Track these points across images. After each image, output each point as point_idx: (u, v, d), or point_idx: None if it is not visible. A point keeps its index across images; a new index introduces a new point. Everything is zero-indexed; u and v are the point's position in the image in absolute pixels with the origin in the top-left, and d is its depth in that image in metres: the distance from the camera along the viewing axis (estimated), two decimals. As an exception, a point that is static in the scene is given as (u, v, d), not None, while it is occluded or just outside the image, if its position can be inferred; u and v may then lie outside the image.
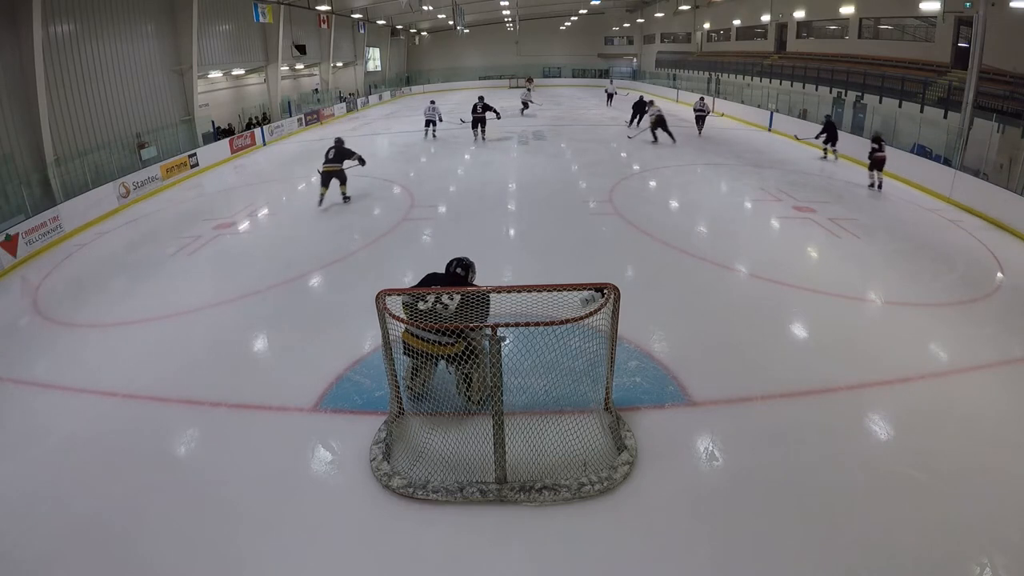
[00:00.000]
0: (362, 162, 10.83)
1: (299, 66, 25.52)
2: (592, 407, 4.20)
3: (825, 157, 14.09)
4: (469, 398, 4.30)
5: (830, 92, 18.14)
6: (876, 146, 11.02)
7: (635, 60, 40.33)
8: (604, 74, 39.25)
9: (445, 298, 4.03)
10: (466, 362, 3.96)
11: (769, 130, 18.39)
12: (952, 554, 3.14)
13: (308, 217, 10.28)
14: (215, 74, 19.22)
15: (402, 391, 4.07)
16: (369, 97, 31.65)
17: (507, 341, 3.58)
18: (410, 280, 7.19)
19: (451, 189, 11.78)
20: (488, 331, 3.49)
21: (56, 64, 11.96)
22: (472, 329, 3.85)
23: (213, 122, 18.71)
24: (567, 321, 3.68)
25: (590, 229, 8.83)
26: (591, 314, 3.62)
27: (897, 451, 3.98)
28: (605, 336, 3.89)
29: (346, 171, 10.69)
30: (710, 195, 10.99)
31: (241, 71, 20.94)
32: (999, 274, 7.12)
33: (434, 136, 17.93)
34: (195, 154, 15.13)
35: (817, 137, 14.00)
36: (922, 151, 12.41)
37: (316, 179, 11.26)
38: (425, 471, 3.73)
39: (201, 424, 4.47)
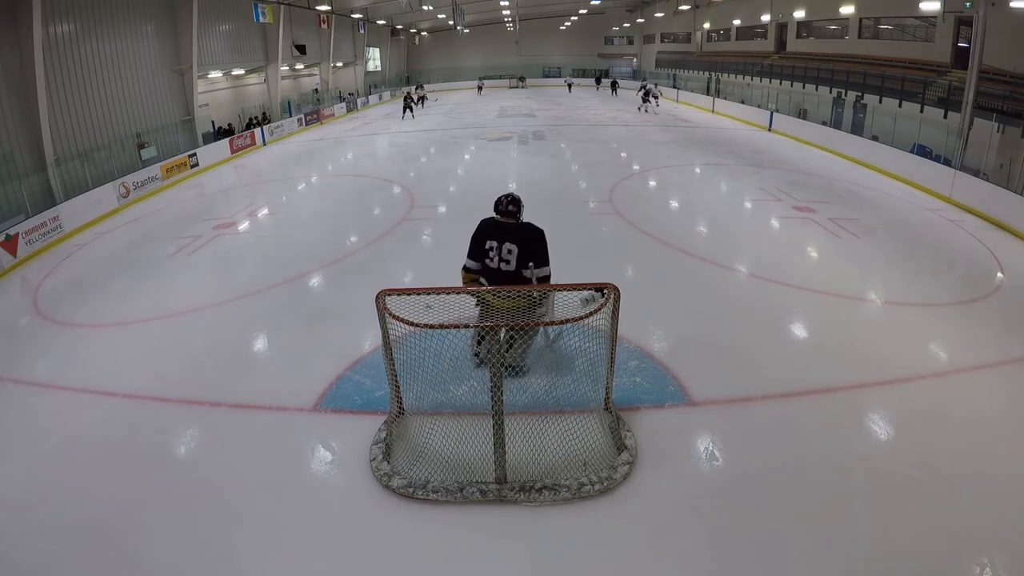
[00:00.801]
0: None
1: (299, 66, 25.53)
2: (592, 407, 4.19)
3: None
4: (508, 365, 4.30)
5: (830, 92, 18.15)
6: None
7: (635, 60, 40.37)
8: (604, 74, 39.25)
9: (505, 251, 4.15)
10: (520, 331, 4.00)
11: (769, 130, 18.40)
12: (952, 554, 3.14)
13: (308, 217, 10.28)
14: (215, 74, 19.23)
15: (469, 357, 4.40)
16: (369, 97, 31.65)
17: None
18: (410, 280, 7.21)
19: (451, 189, 11.78)
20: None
21: (56, 64, 11.97)
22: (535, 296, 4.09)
23: (213, 122, 18.72)
24: (567, 321, 3.68)
25: (590, 229, 8.83)
26: (591, 314, 3.62)
27: (897, 451, 3.97)
28: (605, 336, 3.88)
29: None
30: (710, 195, 10.99)
31: (241, 71, 20.95)
32: (999, 274, 7.12)
33: (412, 116, 22.73)
34: (195, 154, 15.14)
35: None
36: (922, 151, 12.41)
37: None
38: (425, 471, 3.73)
39: (201, 424, 4.47)
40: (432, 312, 3.78)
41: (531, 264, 4.24)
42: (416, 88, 29.70)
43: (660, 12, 34.10)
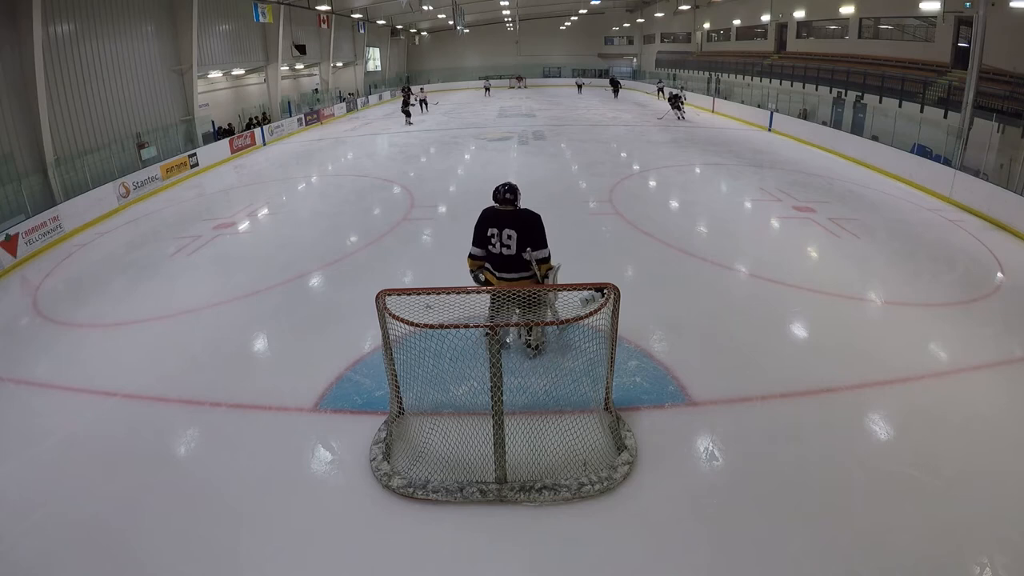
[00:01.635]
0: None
1: (299, 66, 25.53)
2: (592, 407, 4.19)
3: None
4: (528, 343, 4.91)
5: (830, 92, 18.16)
6: None
7: (635, 60, 40.36)
8: (604, 74, 39.24)
9: (505, 237, 4.45)
10: (533, 305, 4.33)
11: (769, 130, 18.40)
12: (952, 554, 3.14)
13: (308, 217, 10.28)
14: (215, 74, 19.23)
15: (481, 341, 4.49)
16: (369, 97, 31.66)
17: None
18: (410, 280, 7.21)
19: (451, 189, 11.78)
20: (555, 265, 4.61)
21: (56, 64, 11.97)
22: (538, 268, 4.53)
23: (213, 122, 18.73)
24: (567, 321, 3.68)
25: (590, 229, 8.83)
26: (591, 314, 3.62)
27: (897, 451, 3.97)
28: (605, 336, 3.88)
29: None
30: (710, 195, 10.99)
31: (241, 71, 20.95)
32: (999, 274, 7.12)
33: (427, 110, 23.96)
34: (195, 154, 15.14)
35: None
36: (922, 151, 12.40)
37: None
38: (425, 471, 3.73)
39: (201, 424, 4.47)
40: (432, 312, 3.78)
41: (529, 248, 4.49)
42: (403, 91, 28.36)
43: (660, 12, 34.10)
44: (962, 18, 14.48)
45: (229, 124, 19.76)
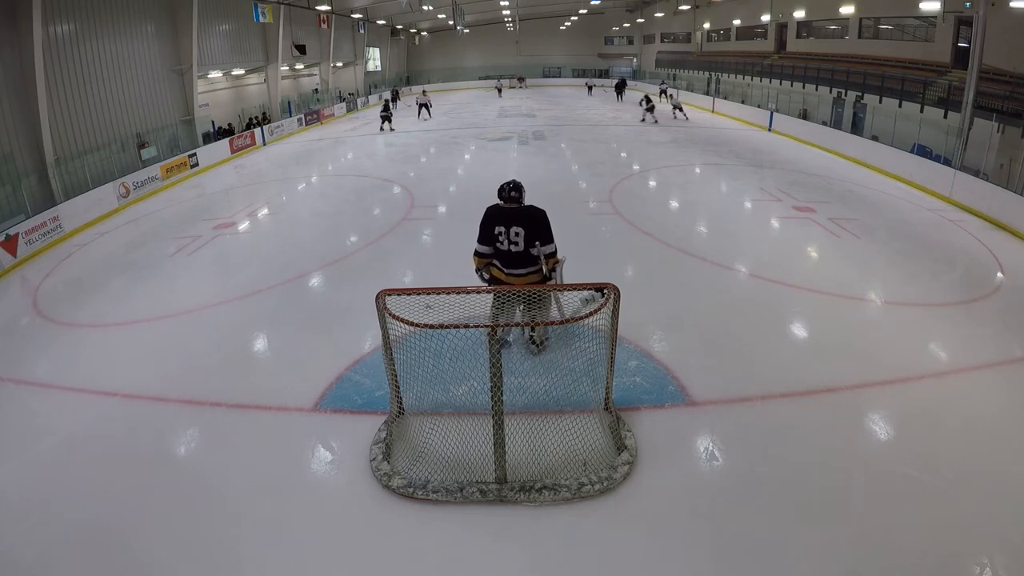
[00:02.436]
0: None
1: (299, 66, 25.53)
2: (592, 407, 4.19)
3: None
4: (531, 339, 4.98)
5: (830, 92, 18.15)
6: None
7: (635, 60, 40.36)
8: (605, 74, 39.22)
9: (512, 234, 4.53)
10: (536, 303, 4.50)
11: (769, 130, 18.40)
12: (952, 554, 3.14)
13: (308, 217, 10.28)
14: (215, 74, 19.23)
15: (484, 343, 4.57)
16: (369, 97, 31.65)
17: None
18: (410, 280, 7.21)
19: (451, 189, 11.78)
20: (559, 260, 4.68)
21: (56, 64, 11.97)
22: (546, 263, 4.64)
23: (213, 122, 18.73)
24: (567, 321, 3.68)
25: (590, 229, 8.83)
26: (591, 314, 3.62)
27: (897, 451, 3.97)
28: (605, 336, 3.88)
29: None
30: (710, 195, 10.99)
31: (241, 71, 20.96)
32: (999, 274, 7.12)
33: (429, 115, 22.60)
34: (195, 154, 15.14)
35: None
36: (922, 151, 12.41)
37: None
38: (425, 471, 3.73)
39: (201, 424, 4.47)
40: (432, 312, 3.78)
41: (537, 243, 4.57)
42: (391, 93, 27.72)
43: (660, 12, 34.10)
44: (962, 18, 14.48)
45: (229, 124, 19.76)
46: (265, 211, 10.92)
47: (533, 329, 4.99)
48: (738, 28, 28.12)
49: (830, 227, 8.71)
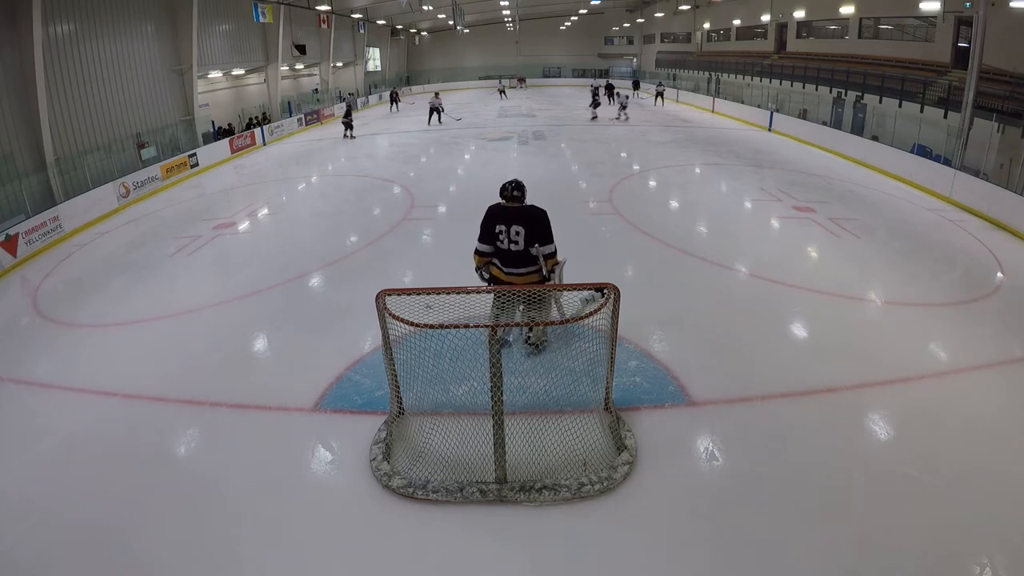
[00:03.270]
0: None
1: (299, 66, 25.53)
2: (592, 407, 4.19)
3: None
4: (528, 340, 5.01)
5: (830, 92, 18.15)
6: None
7: (635, 60, 40.34)
8: (606, 73, 39.18)
9: (513, 233, 4.55)
10: (536, 303, 4.49)
11: (769, 130, 18.40)
12: (952, 554, 3.14)
13: (308, 217, 10.28)
14: (215, 74, 19.22)
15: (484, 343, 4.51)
16: (369, 97, 31.64)
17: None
18: (410, 280, 7.21)
19: (451, 189, 11.78)
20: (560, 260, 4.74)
21: (56, 64, 11.97)
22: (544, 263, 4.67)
23: (213, 122, 18.73)
24: (567, 321, 3.68)
25: (590, 229, 8.83)
26: (591, 314, 3.62)
27: (897, 451, 3.97)
28: (605, 336, 3.88)
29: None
30: (710, 195, 10.98)
31: (241, 71, 20.95)
32: (999, 274, 7.12)
33: (439, 121, 20.86)
34: (195, 154, 15.13)
35: None
36: (922, 151, 12.41)
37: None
38: (425, 471, 3.73)
39: (201, 424, 4.47)
40: (432, 312, 3.78)
41: (536, 244, 4.58)
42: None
43: (660, 12, 34.09)
44: (962, 18, 14.48)
45: (229, 124, 19.75)
46: (265, 211, 10.91)
47: (531, 330, 4.98)
48: (738, 28, 28.12)
49: (830, 227, 8.71)
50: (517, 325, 4.62)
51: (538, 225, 4.57)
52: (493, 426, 3.54)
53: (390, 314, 3.58)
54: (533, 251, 4.60)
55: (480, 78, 39.61)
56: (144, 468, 3.99)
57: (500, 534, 3.37)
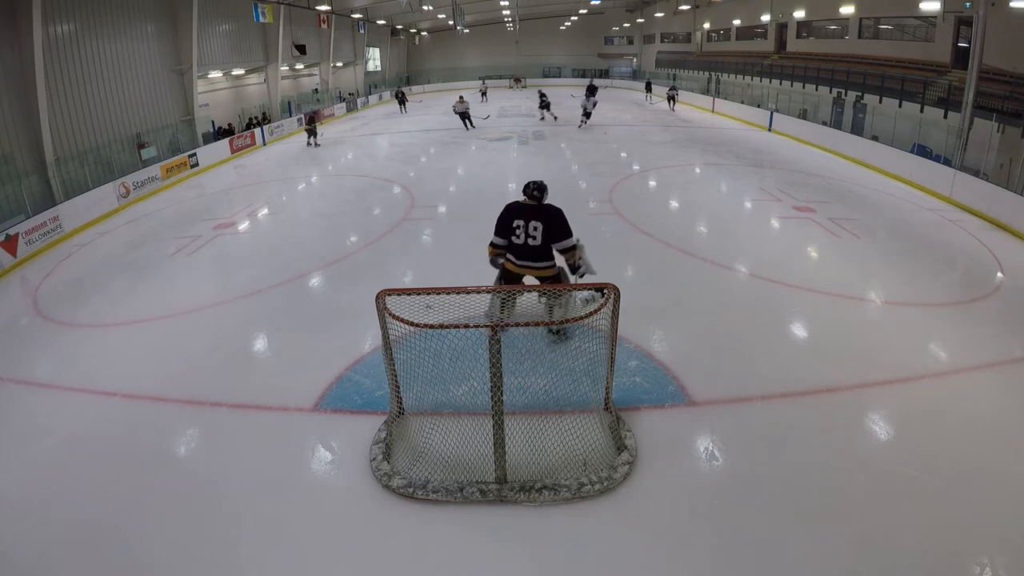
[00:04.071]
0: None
1: (299, 66, 25.53)
2: (592, 407, 4.19)
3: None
4: (549, 329, 5.09)
5: (830, 92, 18.15)
6: None
7: (635, 60, 40.34)
8: (605, 74, 39.18)
9: (531, 228, 4.82)
10: (552, 297, 4.83)
11: (769, 130, 18.40)
12: (952, 554, 3.14)
13: (308, 217, 10.28)
14: (215, 74, 19.22)
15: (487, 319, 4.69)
16: (369, 97, 31.65)
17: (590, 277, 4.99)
18: (410, 280, 7.21)
19: (451, 189, 11.78)
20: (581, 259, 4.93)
21: (56, 64, 11.97)
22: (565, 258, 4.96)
23: (213, 122, 18.73)
24: (567, 321, 3.68)
25: (590, 229, 8.77)
26: (591, 314, 3.62)
27: (897, 451, 3.97)
28: (605, 336, 3.89)
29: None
30: (710, 195, 10.98)
31: (241, 71, 20.95)
32: (999, 274, 7.12)
33: (472, 126, 19.38)
34: (195, 154, 15.13)
35: None
36: (922, 151, 12.41)
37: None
38: (425, 471, 3.73)
39: (201, 424, 4.47)
40: (432, 312, 3.78)
41: (555, 244, 4.89)
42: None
43: (660, 12, 34.09)
44: (962, 18, 14.48)
45: (229, 124, 19.75)
46: (265, 211, 10.91)
47: (551, 315, 5.11)
48: (738, 28, 28.11)
49: (830, 227, 8.71)
50: (517, 325, 4.62)
51: (555, 221, 4.84)
52: (493, 426, 3.54)
53: (390, 314, 3.58)
54: (556, 248, 4.89)
55: (480, 78, 39.56)
56: (144, 468, 3.99)
57: (500, 534, 3.37)
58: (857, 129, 15.62)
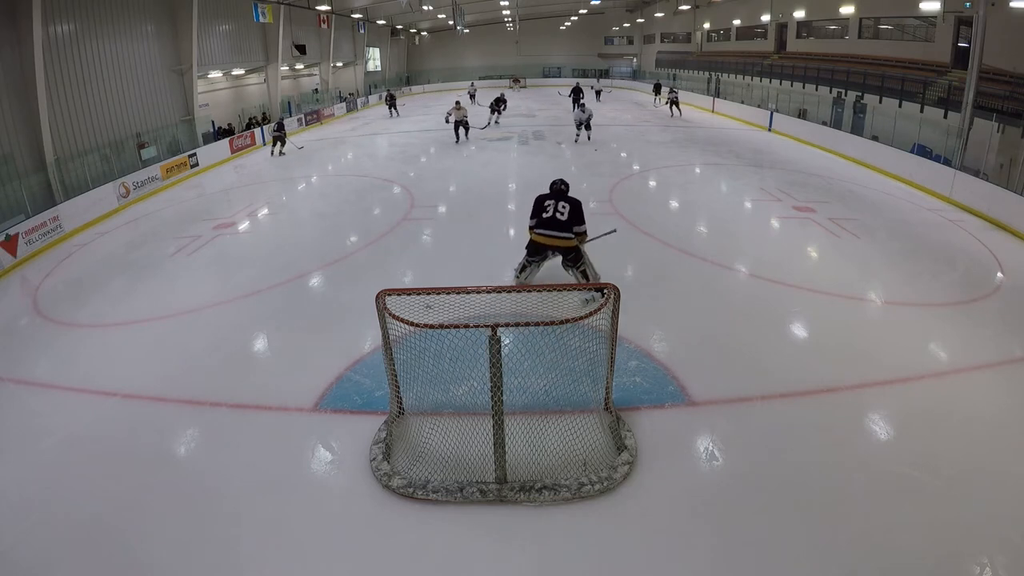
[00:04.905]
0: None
1: (299, 66, 25.51)
2: (592, 407, 4.20)
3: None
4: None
5: (830, 92, 18.14)
6: None
7: (635, 60, 40.32)
8: (604, 74, 39.16)
9: (560, 207, 5.89)
10: (579, 261, 5.96)
11: (769, 130, 18.39)
12: (952, 554, 3.14)
13: (308, 217, 10.29)
14: (215, 74, 19.21)
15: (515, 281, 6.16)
16: (369, 97, 31.64)
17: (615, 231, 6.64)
18: (410, 280, 7.21)
19: (451, 189, 11.78)
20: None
21: (56, 64, 11.96)
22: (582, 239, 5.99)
23: (213, 122, 18.72)
24: (567, 321, 3.68)
25: (590, 229, 8.79)
26: (591, 314, 3.62)
27: (897, 451, 3.98)
28: (605, 336, 3.89)
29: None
30: (710, 195, 10.98)
31: (241, 71, 20.94)
32: (999, 274, 7.12)
33: (467, 138, 17.00)
34: (195, 154, 15.13)
35: None
36: (922, 151, 12.40)
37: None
38: (425, 471, 3.73)
39: (201, 424, 4.47)
40: (432, 312, 3.78)
41: (574, 228, 5.91)
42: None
43: (660, 12, 34.07)
44: (962, 18, 14.48)
45: (229, 124, 19.75)
46: (265, 211, 10.91)
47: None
48: (738, 28, 28.10)
49: (830, 227, 8.71)
50: (517, 325, 4.61)
51: (578, 207, 5.94)
52: (493, 426, 3.55)
53: (390, 314, 3.59)
54: (575, 228, 5.91)
55: (480, 78, 39.54)
56: (144, 468, 3.99)
57: (500, 534, 3.37)
58: (857, 129, 15.61)
